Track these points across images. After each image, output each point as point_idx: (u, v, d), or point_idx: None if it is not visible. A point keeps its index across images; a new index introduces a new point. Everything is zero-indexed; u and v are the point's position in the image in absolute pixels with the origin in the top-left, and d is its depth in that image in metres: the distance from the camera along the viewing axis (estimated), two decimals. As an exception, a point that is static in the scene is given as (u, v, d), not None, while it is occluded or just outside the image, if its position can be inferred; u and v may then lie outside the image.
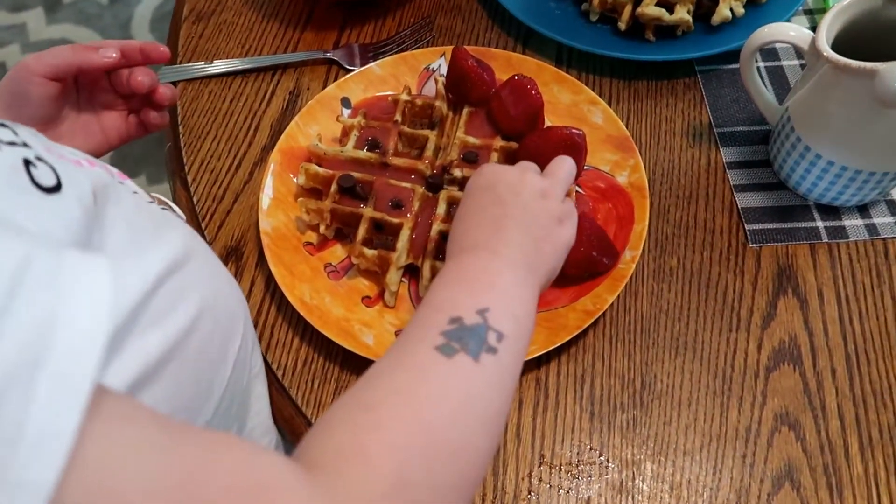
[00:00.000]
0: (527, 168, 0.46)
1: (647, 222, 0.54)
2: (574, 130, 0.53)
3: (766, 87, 0.64)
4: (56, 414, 0.20)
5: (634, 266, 0.52)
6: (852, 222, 0.56)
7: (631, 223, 0.55)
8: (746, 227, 0.56)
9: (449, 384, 0.34)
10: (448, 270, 0.41)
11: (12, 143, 0.29)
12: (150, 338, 0.32)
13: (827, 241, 0.56)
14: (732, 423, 0.49)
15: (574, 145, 0.53)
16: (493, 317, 0.36)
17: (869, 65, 0.46)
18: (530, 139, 0.55)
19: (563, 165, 0.47)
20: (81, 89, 0.52)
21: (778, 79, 0.64)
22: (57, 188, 0.29)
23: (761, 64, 0.65)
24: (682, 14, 0.64)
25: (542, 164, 0.53)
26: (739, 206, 0.57)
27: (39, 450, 0.19)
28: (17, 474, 0.19)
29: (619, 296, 0.53)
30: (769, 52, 0.66)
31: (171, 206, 0.53)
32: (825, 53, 0.48)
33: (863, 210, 0.57)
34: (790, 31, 0.52)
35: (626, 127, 0.61)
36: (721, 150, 0.61)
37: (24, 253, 0.21)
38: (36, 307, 0.20)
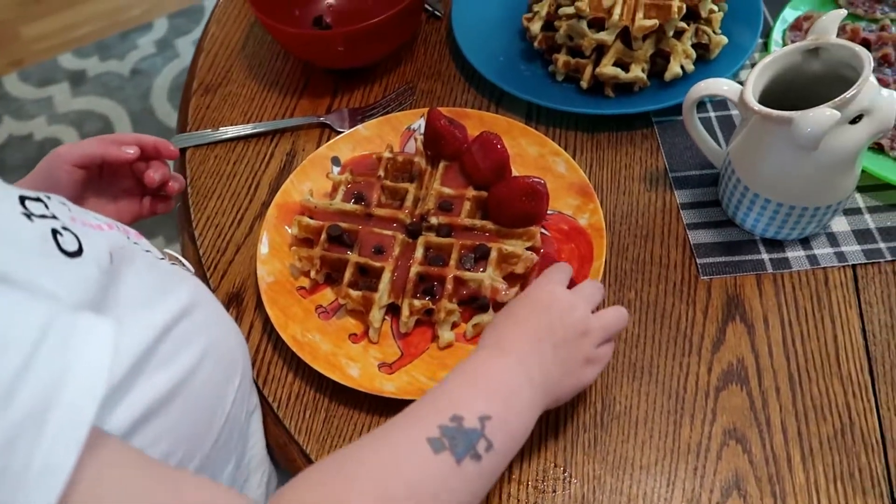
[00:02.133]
0: (581, 299, 0.49)
1: (604, 259, 0.59)
2: (535, 179, 0.60)
3: (716, 134, 0.70)
4: (57, 454, 0.25)
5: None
6: (795, 254, 0.62)
7: (591, 261, 0.60)
8: (698, 260, 0.62)
9: (425, 477, 0.37)
10: (475, 361, 0.45)
11: (43, 216, 0.35)
12: (157, 378, 0.38)
13: (772, 271, 0.61)
14: (685, 439, 0.53)
15: (536, 193, 0.60)
16: (490, 426, 0.40)
17: (786, 114, 0.52)
18: (497, 188, 0.62)
19: (610, 311, 0.51)
20: (104, 175, 0.61)
21: (728, 126, 0.71)
22: (79, 252, 0.35)
23: (712, 114, 0.72)
24: (637, 72, 0.71)
25: (509, 209, 0.60)
26: (692, 242, 0.63)
27: (42, 481, 0.25)
28: (25, 500, 0.24)
29: (580, 326, 0.58)
30: (719, 103, 0.73)
31: (181, 261, 0.60)
32: (750, 104, 0.55)
33: (804, 242, 0.62)
34: (723, 86, 0.59)
35: (590, 174, 0.68)
36: (675, 192, 0.67)
37: (47, 317, 0.27)
38: (51, 366, 0.26)
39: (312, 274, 0.61)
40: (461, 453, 0.38)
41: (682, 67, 0.71)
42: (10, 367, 0.25)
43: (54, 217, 0.36)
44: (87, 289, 0.34)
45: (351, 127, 0.73)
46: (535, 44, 0.76)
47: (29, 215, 0.34)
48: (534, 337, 0.46)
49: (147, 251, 0.47)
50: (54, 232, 0.35)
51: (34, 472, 0.24)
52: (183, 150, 0.74)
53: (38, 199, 0.37)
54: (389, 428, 0.40)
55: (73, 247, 0.35)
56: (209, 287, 0.64)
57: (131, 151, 0.58)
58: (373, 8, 0.83)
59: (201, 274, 0.65)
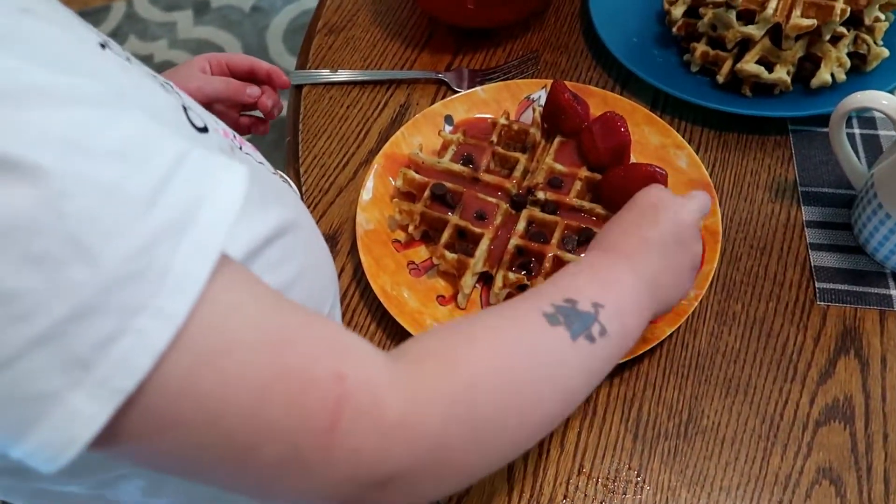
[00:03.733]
0: (693, 200, 0.48)
1: (715, 264, 0.56)
2: (657, 169, 0.57)
3: (858, 153, 0.65)
4: (194, 263, 0.25)
5: (697, 304, 0.54)
6: (928, 295, 0.56)
7: (701, 264, 0.57)
8: (817, 284, 0.57)
9: (540, 346, 0.36)
10: (585, 260, 0.44)
11: (174, 94, 0.36)
12: (263, 279, 0.38)
13: (899, 309, 0.56)
14: (773, 469, 0.50)
15: (656, 182, 0.56)
16: (604, 313, 0.38)
17: (955, 140, 0.47)
18: (615, 172, 0.59)
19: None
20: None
21: (872, 147, 0.65)
22: (205, 130, 0.36)
23: (857, 131, 0.66)
24: (782, 74, 0.66)
25: (622, 196, 0.57)
26: (812, 264, 0.59)
27: (178, 288, 0.25)
28: (162, 302, 0.24)
29: (677, 330, 0.55)
30: (867, 121, 0.67)
31: (289, 182, 0.60)
32: (913, 124, 0.50)
33: (941, 285, 0.57)
34: (882, 100, 0.54)
35: (711, 174, 0.64)
36: (802, 208, 0.62)
37: (188, 146, 0.27)
38: (191, 182, 0.26)
39: (410, 229, 0.60)
40: (577, 331, 0.37)
41: (832, 76, 0.66)
42: (156, 173, 0.25)
43: (181, 99, 0.37)
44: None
45: (469, 88, 0.71)
46: (674, 29, 0.72)
47: (163, 86, 0.35)
48: (644, 237, 0.45)
49: (260, 163, 0.47)
50: (184, 107, 0.36)
51: (171, 279, 0.25)
52: (299, 87, 0.75)
53: (166, 83, 0.38)
54: (503, 306, 0.40)
55: (200, 123, 0.36)
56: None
57: (257, 93, 0.62)
58: (509, -31, 0.81)
59: (300, 211, 0.66)
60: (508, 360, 0.35)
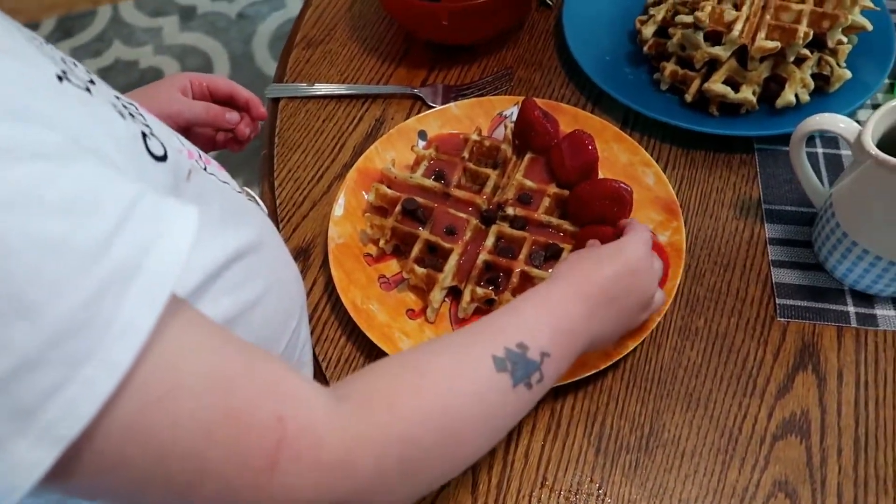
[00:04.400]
0: (656, 272, 0.52)
1: (678, 281, 0.57)
2: (623, 185, 0.58)
3: (821, 172, 0.66)
4: (140, 312, 0.26)
5: (661, 319, 0.55)
6: (885, 312, 0.58)
7: (665, 280, 0.58)
8: (777, 300, 0.59)
9: (482, 392, 0.39)
10: (553, 297, 0.46)
11: (134, 117, 0.37)
12: (222, 301, 0.38)
13: (856, 326, 0.57)
14: (731, 482, 0.51)
15: (620, 199, 0.58)
16: (547, 364, 0.42)
17: (906, 163, 0.49)
18: (582, 188, 0.60)
19: (660, 291, 0.53)
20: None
21: (834, 166, 0.67)
22: (164, 158, 0.37)
23: (820, 150, 0.68)
24: (747, 94, 0.67)
25: (588, 212, 0.58)
26: (774, 281, 0.60)
27: (123, 337, 0.25)
28: (107, 351, 0.25)
29: (641, 345, 0.57)
30: (830, 140, 0.69)
31: (256, 199, 0.61)
32: (867, 147, 0.51)
33: (897, 302, 0.58)
34: (839, 123, 0.55)
35: (678, 192, 0.65)
36: (766, 225, 0.63)
37: (139, 192, 0.28)
38: (141, 230, 0.27)
39: (381, 243, 0.61)
40: (518, 379, 0.40)
41: (796, 96, 0.68)
42: (103, 225, 0.26)
43: (144, 122, 0.38)
44: (165, 193, 0.36)
45: (443, 103, 0.73)
46: (645, 48, 0.73)
47: (122, 113, 0.35)
48: (611, 295, 0.47)
49: (225, 182, 0.48)
50: (143, 134, 0.36)
51: (116, 328, 0.25)
52: (276, 100, 0.75)
53: (130, 104, 0.38)
54: (458, 338, 0.42)
55: (159, 151, 0.36)
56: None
57: (237, 118, 0.63)
58: (485, -14, 0.82)
59: (275, 223, 0.66)
60: (450, 404, 0.37)
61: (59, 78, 0.31)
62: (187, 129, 0.61)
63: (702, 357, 0.57)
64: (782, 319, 0.58)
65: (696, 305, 0.59)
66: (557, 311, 0.45)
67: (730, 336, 0.58)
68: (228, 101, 0.64)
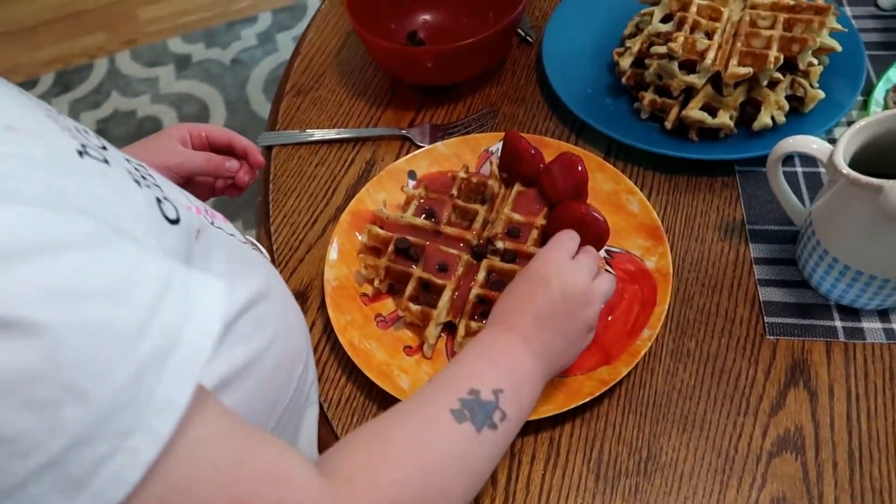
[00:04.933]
0: (581, 265, 0.52)
1: (666, 305, 0.58)
2: (592, 212, 0.59)
3: (801, 190, 0.68)
4: (177, 388, 0.29)
5: (651, 343, 0.57)
6: (871, 325, 0.59)
7: (653, 305, 0.59)
8: (766, 319, 0.60)
9: (451, 444, 0.41)
10: (485, 339, 0.48)
11: (148, 185, 0.39)
12: (235, 352, 0.40)
13: (844, 340, 0.59)
14: (729, 501, 0.52)
15: (584, 223, 0.59)
16: (504, 399, 0.44)
17: (875, 181, 0.50)
18: (556, 211, 0.62)
19: (606, 279, 0.53)
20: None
21: (814, 184, 0.68)
22: (177, 221, 0.39)
23: (799, 169, 0.70)
24: (725, 119, 0.69)
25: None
26: (761, 299, 0.61)
27: (163, 411, 0.28)
28: (148, 426, 0.28)
29: (635, 370, 0.58)
30: (808, 159, 0.70)
31: (259, 248, 0.63)
32: (839, 167, 0.53)
33: (882, 314, 0.60)
34: (812, 144, 0.57)
35: (663, 217, 0.67)
36: (750, 245, 0.65)
37: (169, 270, 0.31)
38: (174, 310, 0.30)
39: (376, 283, 0.63)
40: (480, 423, 0.42)
41: (772, 118, 0.70)
42: (140, 309, 0.29)
43: (157, 186, 0.40)
44: (182, 257, 0.38)
45: (431, 143, 0.75)
46: (624, 79, 0.76)
47: (137, 181, 0.37)
48: (536, 313, 0.49)
49: (231, 234, 0.50)
50: (158, 199, 0.38)
51: (156, 404, 0.28)
52: (269, 148, 0.78)
53: (140, 166, 0.41)
54: (416, 400, 0.44)
55: (172, 215, 0.39)
56: (278, 281, 0.66)
57: (236, 166, 0.65)
58: (467, 26, 0.85)
59: (272, 269, 0.68)
60: (426, 465, 0.39)
61: (80, 153, 0.33)
62: (189, 180, 0.63)
63: (695, 379, 0.58)
64: (771, 337, 0.59)
65: (687, 328, 0.61)
66: (496, 350, 0.47)
67: (721, 356, 0.59)
68: (227, 150, 0.66)
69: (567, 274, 0.50)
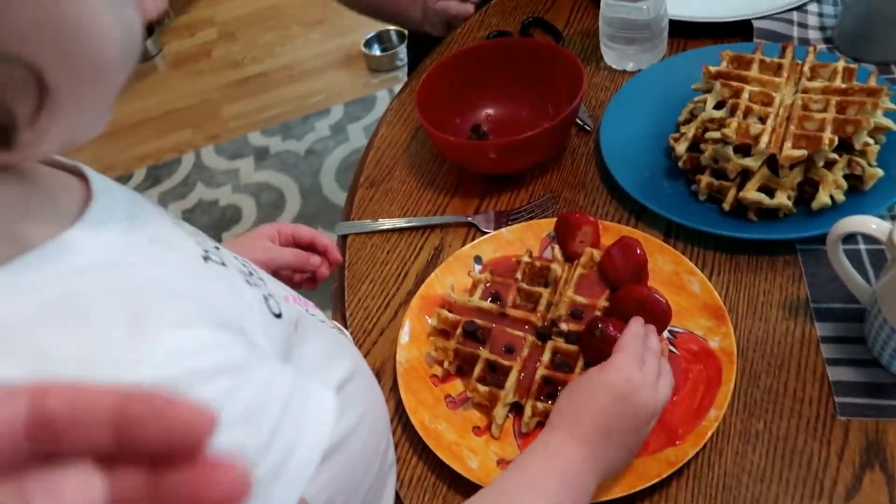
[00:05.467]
0: (649, 372, 0.54)
1: (733, 384, 0.59)
2: (656, 295, 0.62)
3: (866, 268, 0.68)
4: (287, 500, 0.31)
5: (718, 424, 0.57)
6: (949, 405, 0.58)
7: (719, 384, 0.60)
8: (836, 399, 0.60)
9: None
10: (551, 446, 0.51)
11: (256, 284, 0.43)
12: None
13: (921, 420, 0.57)
14: (808, 589, 0.51)
15: (645, 306, 0.61)
16: None
17: (937, 261, 0.51)
18: (619, 293, 0.64)
19: (666, 385, 0.55)
20: None
21: (879, 261, 0.68)
22: (280, 315, 0.42)
23: (862, 246, 0.70)
24: (782, 199, 0.71)
25: (624, 316, 0.62)
26: (830, 379, 0.61)
27: None
28: None
29: (702, 451, 0.58)
30: (871, 236, 0.70)
31: (343, 331, 0.68)
32: (899, 247, 0.54)
33: (961, 394, 0.58)
34: (871, 224, 0.58)
35: (725, 297, 0.68)
36: (816, 324, 0.65)
37: (291, 384, 0.33)
38: (293, 427, 0.32)
39: (446, 364, 0.66)
40: None
41: (831, 197, 0.71)
42: (266, 428, 0.31)
43: (262, 281, 0.44)
44: (284, 349, 0.41)
45: (496, 229, 0.79)
46: (680, 163, 0.79)
47: (248, 281, 0.41)
48: (607, 427, 0.51)
49: (322, 321, 0.54)
50: (264, 297, 0.42)
51: None
52: (344, 237, 0.83)
53: (245, 264, 0.45)
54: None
55: (276, 310, 0.42)
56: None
57: (318, 262, 0.72)
58: (527, 118, 0.90)
59: (347, 351, 0.72)
60: None
61: (205, 258, 0.37)
62: (274, 273, 0.69)
63: (765, 461, 0.58)
64: (843, 418, 0.59)
65: (754, 408, 0.61)
66: (560, 461, 0.49)
67: (791, 438, 0.58)
68: (310, 247, 0.73)
69: (640, 391, 0.53)
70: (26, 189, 0.31)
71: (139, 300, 0.29)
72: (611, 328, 0.60)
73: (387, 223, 0.83)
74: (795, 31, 0.93)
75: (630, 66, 0.95)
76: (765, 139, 0.71)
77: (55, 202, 0.32)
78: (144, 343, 0.28)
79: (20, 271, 0.27)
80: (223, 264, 0.39)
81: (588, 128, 0.89)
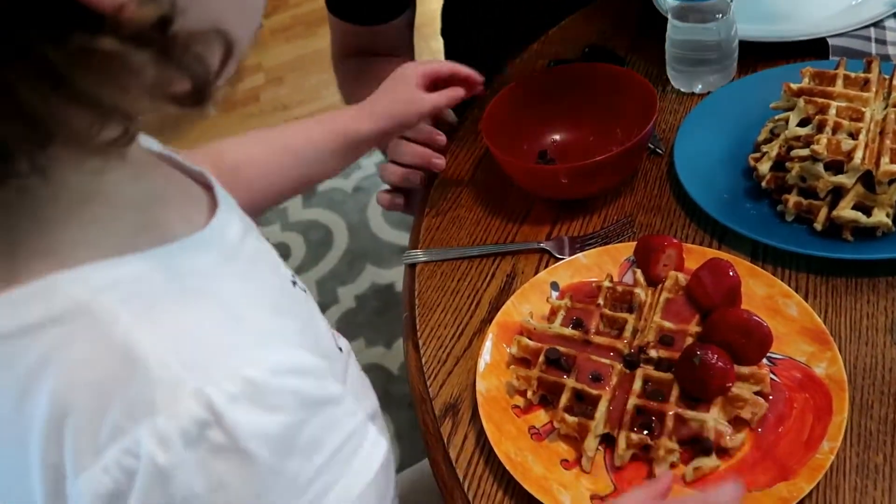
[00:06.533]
0: None
1: (845, 415, 0.55)
2: (754, 317, 0.58)
3: (979, 288, 0.63)
4: None
5: (833, 457, 0.53)
6: None
7: (829, 414, 0.56)
8: (963, 430, 0.55)
9: None
10: None
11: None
12: None
13: None
14: None
15: (749, 331, 0.58)
16: None
17: None
18: (714, 316, 0.61)
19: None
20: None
21: None
22: (340, 350, 0.44)
23: (973, 266, 0.65)
24: (881, 217, 0.67)
25: (718, 344, 0.58)
26: (953, 408, 0.56)
27: None
28: None
29: (817, 488, 0.53)
30: (982, 255, 0.66)
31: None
32: None
33: None
34: None
35: (825, 321, 0.64)
36: (930, 349, 0.60)
37: (363, 429, 0.34)
38: (353, 475, 0.33)
39: (528, 394, 0.63)
40: None
41: (934, 214, 0.67)
42: (315, 463, 0.32)
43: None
44: (342, 377, 0.42)
45: (571, 254, 0.76)
46: (763, 183, 0.75)
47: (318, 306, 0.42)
48: None
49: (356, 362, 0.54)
50: (333, 333, 0.42)
51: None
52: (413, 265, 0.82)
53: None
54: None
55: (338, 343, 0.44)
56: (428, 395, 0.67)
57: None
58: (595, 144, 0.88)
59: (421, 381, 0.70)
60: None
61: (293, 283, 0.37)
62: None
63: (887, 497, 0.53)
64: (973, 450, 0.54)
65: (870, 440, 0.56)
66: None
67: (916, 472, 0.54)
68: (450, 78, 0.79)
69: None
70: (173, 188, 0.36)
71: (248, 307, 0.31)
72: (710, 355, 0.56)
73: (456, 252, 0.81)
74: (874, 48, 0.90)
75: (699, 89, 0.93)
76: (859, 154, 0.67)
77: (196, 202, 0.36)
78: (262, 348, 0.30)
79: (175, 254, 0.31)
80: (305, 291, 0.39)
81: (660, 151, 0.87)
